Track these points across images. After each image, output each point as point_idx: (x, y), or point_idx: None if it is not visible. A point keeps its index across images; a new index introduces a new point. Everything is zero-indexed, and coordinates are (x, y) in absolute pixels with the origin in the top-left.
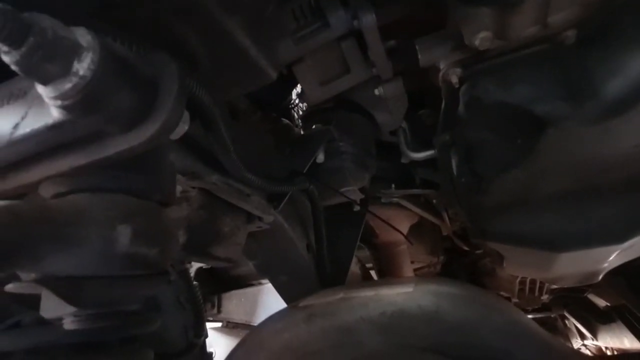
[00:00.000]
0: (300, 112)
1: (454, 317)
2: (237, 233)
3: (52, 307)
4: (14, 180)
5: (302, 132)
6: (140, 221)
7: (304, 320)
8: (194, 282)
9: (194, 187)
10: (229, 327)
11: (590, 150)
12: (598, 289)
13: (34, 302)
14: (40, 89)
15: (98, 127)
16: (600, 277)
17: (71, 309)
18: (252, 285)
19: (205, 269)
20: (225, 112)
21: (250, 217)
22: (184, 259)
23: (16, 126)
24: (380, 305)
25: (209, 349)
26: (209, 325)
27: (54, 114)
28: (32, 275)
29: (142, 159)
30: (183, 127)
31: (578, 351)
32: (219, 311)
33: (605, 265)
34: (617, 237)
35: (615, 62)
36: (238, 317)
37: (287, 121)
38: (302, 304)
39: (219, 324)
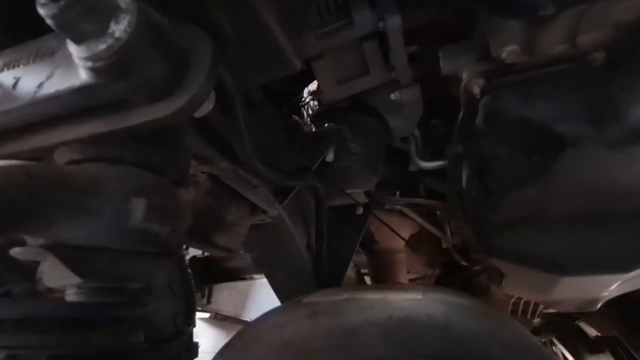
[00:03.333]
0: (310, 111)
1: (463, 328)
2: (240, 223)
3: (56, 276)
4: (30, 142)
5: (313, 130)
6: (155, 197)
7: (307, 317)
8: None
9: (203, 172)
10: (217, 318)
11: (607, 175)
12: (590, 318)
13: (27, 272)
14: (72, 47)
15: (124, 95)
16: (599, 305)
17: (76, 279)
18: (244, 279)
19: (199, 258)
20: (242, 100)
21: (254, 209)
22: (184, 244)
23: (40, 85)
24: (388, 309)
25: (195, 339)
26: (196, 315)
27: (82, 76)
28: (40, 241)
29: (162, 135)
30: (208, 106)
31: None
32: (208, 302)
33: (606, 294)
34: (623, 266)
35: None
36: (227, 309)
37: (297, 118)
38: (305, 300)
39: (207, 315)
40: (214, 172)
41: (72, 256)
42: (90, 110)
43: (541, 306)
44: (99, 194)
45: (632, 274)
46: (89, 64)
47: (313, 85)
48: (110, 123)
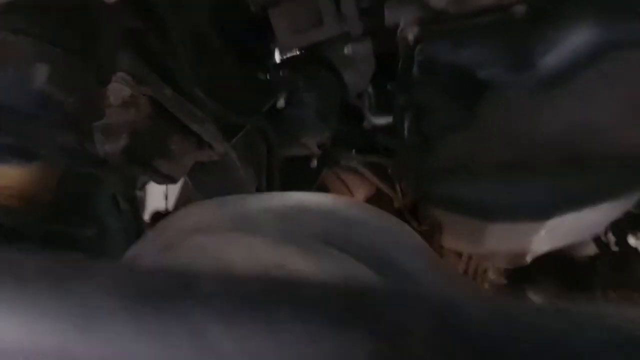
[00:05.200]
0: None
1: (346, 214)
2: (184, 155)
3: None
4: None
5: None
6: (59, 66)
7: (215, 207)
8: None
9: (144, 95)
10: None
11: (525, 122)
12: (536, 286)
13: None
14: None
15: None
16: (528, 259)
17: None
18: None
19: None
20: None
21: (201, 144)
22: (124, 166)
23: None
24: (284, 198)
25: None
26: None
27: None
28: None
29: (79, 21)
30: None
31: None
32: None
33: (532, 245)
34: (542, 213)
35: (552, 37)
36: None
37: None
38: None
39: None
40: (155, 96)
41: None
42: None
43: (489, 272)
44: (2, 55)
45: (551, 222)
46: None
47: None
48: None
